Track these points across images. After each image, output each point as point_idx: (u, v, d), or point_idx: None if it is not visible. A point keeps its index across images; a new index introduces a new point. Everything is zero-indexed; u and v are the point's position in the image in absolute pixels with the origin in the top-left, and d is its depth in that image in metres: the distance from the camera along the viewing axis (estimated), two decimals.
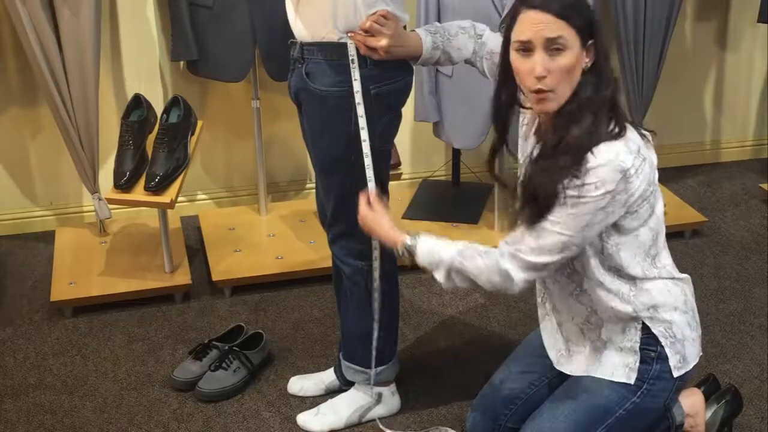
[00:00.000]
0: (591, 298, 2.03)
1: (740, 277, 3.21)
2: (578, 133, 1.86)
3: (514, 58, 1.90)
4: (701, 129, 4.13)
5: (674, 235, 3.34)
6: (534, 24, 1.85)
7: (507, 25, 1.93)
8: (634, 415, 2.04)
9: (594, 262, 1.98)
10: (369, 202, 2.14)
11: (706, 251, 3.39)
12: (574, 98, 1.89)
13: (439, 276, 2.04)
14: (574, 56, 1.86)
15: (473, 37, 2.22)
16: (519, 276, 1.95)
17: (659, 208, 2.01)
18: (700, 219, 3.52)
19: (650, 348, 2.03)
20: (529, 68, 1.87)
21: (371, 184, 2.19)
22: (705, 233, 3.52)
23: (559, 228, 1.89)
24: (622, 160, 1.85)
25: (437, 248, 2.04)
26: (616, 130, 1.88)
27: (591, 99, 1.88)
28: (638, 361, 2.03)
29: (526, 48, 1.87)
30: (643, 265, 2.01)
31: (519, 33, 1.88)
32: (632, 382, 2.03)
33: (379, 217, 2.12)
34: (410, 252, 2.06)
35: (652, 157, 1.95)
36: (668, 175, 3.84)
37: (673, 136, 4.03)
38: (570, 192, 1.86)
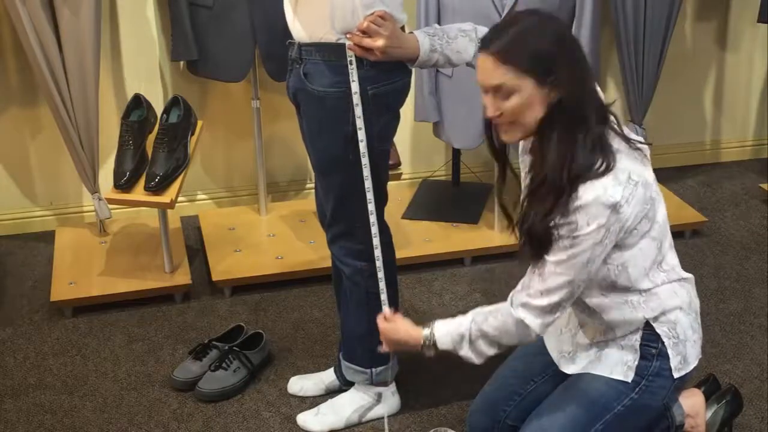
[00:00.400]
0: (600, 315, 2.03)
1: (740, 277, 3.21)
2: (554, 172, 1.84)
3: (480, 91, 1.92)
4: (701, 129, 4.13)
5: (674, 235, 3.26)
6: (481, 69, 1.87)
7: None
8: (632, 412, 2.04)
9: (598, 287, 1.99)
10: (386, 318, 2.17)
11: (706, 251, 3.39)
12: (543, 134, 1.87)
13: (465, 351, 2.03)
14: (524, 97, 1.84)
15: (474, 41, 2.21)
16: (534, 323, 1.95)
17: (661, 215, 1.99)
18: (700, 219, 3.52)
19: (651, 345, 2.03)
20: (485, 106, 1.90)
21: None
22: (705, 233, 3.52)
23: (561, 269, 1.89)
24: (610, 195, 1.83)
25: (453, 327, 2.04)
26: (603, 167, 1.85)
27: (561, 139, 1.84)
28: (638, 358, 2.04)
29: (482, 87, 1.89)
30: (651, 274, 2.01)
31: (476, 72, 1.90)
32: (630, 380, 2.03)
33: (397, 325, 2.14)
34: (432, 342, 2.06)
35: (646, 176, 1.91)
36: (668, 175, 3.84)
37: (673, 136, 4.03)
38: (563, 231, 1.86)
